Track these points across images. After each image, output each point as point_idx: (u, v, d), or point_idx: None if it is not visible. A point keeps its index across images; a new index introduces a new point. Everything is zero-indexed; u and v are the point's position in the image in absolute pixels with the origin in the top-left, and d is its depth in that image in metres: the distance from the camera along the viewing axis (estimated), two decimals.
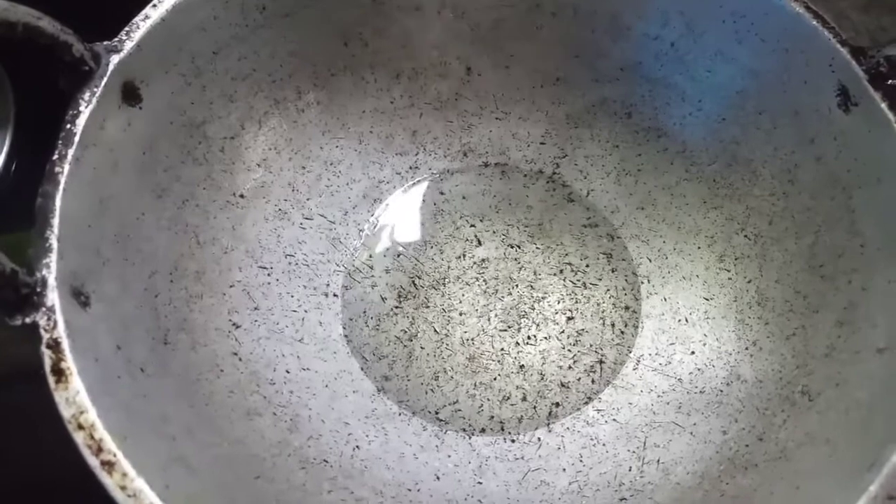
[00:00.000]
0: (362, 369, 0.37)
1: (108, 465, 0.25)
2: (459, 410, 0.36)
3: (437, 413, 0.36)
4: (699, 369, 0.37)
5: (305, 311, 0.38)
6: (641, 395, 0.36)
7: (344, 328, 0.38)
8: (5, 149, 0.44)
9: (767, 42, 0.36)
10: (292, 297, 0.38)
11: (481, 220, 0.41)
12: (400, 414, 0.36)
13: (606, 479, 0.34)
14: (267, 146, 0.39)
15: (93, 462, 0.25)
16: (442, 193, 0.42)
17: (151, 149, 0.34)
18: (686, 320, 0.38)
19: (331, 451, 0.34)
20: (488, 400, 0.37)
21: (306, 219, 0.40)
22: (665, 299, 0.39)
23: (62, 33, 0.30)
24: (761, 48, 0.36)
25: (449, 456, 0.35)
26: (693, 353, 0.37)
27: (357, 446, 0.35)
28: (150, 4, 0.33)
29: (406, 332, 0.38)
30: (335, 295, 0.39)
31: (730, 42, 0.37)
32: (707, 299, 0.38)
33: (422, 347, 0.38)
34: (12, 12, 0.28)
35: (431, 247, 0.41)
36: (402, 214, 0.41)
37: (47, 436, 0.38)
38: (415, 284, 0.40)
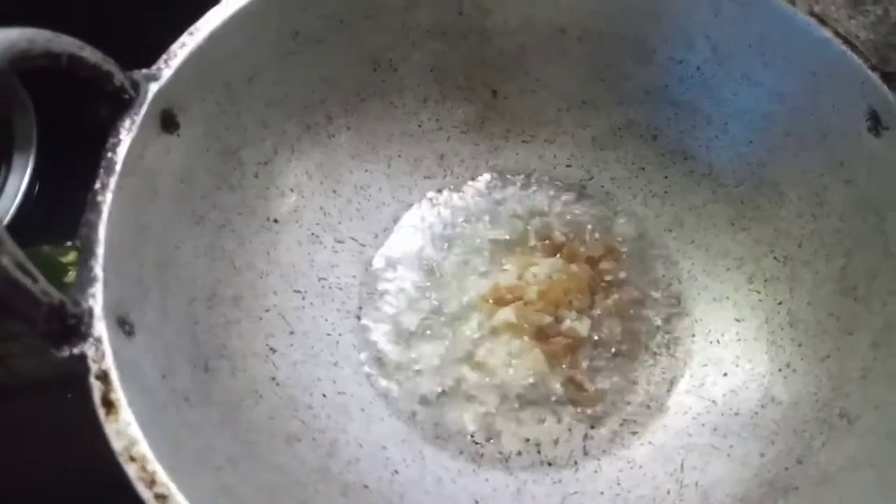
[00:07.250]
0: (397, 392, 0.37)
1: (162, 499, 0.25)
2: (495, 433, 0.36)
3: (472, 436, 0.36)
4: (733, 391, 0.37)
5: (339, 335, 0.38)
6: (676, 417, 0.37)
7: (377, 351, 0.38)
8: (29, 170, 0.45)
9: (794, 66, 0.36)
10: (326, 320, 0.38)
11: (507, 241, 0.41)
12: (436, 437, 0.36)
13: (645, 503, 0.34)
14: (299, 171, 0.39)
15: (146, 495, 0.25)
16: (469, 214, 0.42)
17: (189, 176, 0.34)
18: (718, 342, 0.38)
19: (370, 476, 0.34)
20: (524, 422, 0.37)
21: (338, 242, 0.40)
22: (696, 321, 0.39)
23: (104, 63, 0.30)
24: (788, 72, 0.36)
25: (487, 480, 0.35)
26: (726, 374, 0.37)
27: (395, 471, 0.35)
28: (187, 32, 0.33)
29: (438, 354, 0.38)
30: (368, 318, 0.39)
31: (756, 66, 0.37)
32: (738, 321, 0.38)
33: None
34: (56, 43, 0.28)
35: (460, 267, 0.41)
36: (430, 236, 0.42)
37: (52, 446, 0.38)
38: (445, 305, 0.40)
